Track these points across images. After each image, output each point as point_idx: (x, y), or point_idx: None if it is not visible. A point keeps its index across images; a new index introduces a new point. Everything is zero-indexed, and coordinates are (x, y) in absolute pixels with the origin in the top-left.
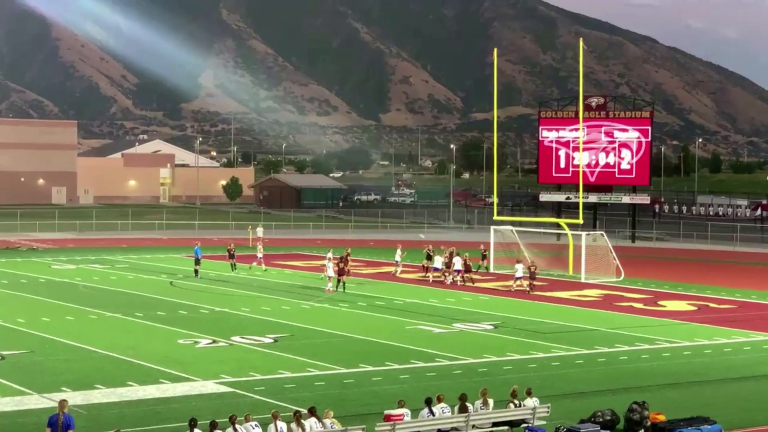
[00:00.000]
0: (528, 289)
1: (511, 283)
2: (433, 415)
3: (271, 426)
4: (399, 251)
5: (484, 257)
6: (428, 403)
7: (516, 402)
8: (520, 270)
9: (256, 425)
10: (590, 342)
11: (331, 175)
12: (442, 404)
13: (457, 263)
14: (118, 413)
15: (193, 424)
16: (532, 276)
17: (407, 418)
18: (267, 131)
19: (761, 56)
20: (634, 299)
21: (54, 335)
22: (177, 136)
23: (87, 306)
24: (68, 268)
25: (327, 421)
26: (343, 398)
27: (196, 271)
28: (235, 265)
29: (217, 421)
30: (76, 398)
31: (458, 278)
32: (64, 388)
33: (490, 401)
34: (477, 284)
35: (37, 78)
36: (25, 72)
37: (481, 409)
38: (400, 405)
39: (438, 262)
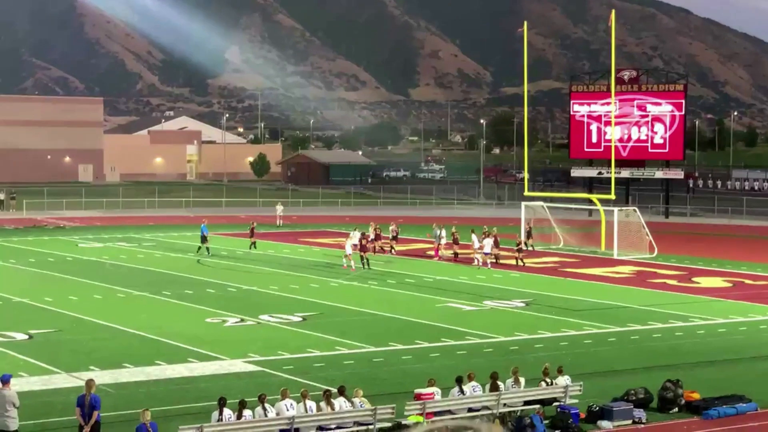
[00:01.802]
0: (521, 262)
1: (479, 256)
2: (464, 394)
3: (301, 405)
4: (437, 229)
5: (529, 235)
6: (459, 381)
7: (548, 380)
8: (487, 246)
9: (292, 404)
10: (623, 319)
11: (359, 151)
12: (473, 383)
13: (487, 245)
14: (146, 392)
15: (222, 403)
16: (519, 250)
17: (437, 397)
18: (294, 107)
19: None
20: (667, 276)
21: (81, 314)
22: (203, 113)
23: (114, 285)
24: (95, 247)
25: (356, 401)
26: (373, 377)
27: (204, 249)
28: (255, 243)
29: (246, 400)
30: (104, 377)
31: (489, 260)
32: (92, 367)
33: (522, 380)
34: (508, 261)
35: (62, 55)
36: (51, 49)
37: (512, 387)
38: (430, 384)
39: (476, 242)
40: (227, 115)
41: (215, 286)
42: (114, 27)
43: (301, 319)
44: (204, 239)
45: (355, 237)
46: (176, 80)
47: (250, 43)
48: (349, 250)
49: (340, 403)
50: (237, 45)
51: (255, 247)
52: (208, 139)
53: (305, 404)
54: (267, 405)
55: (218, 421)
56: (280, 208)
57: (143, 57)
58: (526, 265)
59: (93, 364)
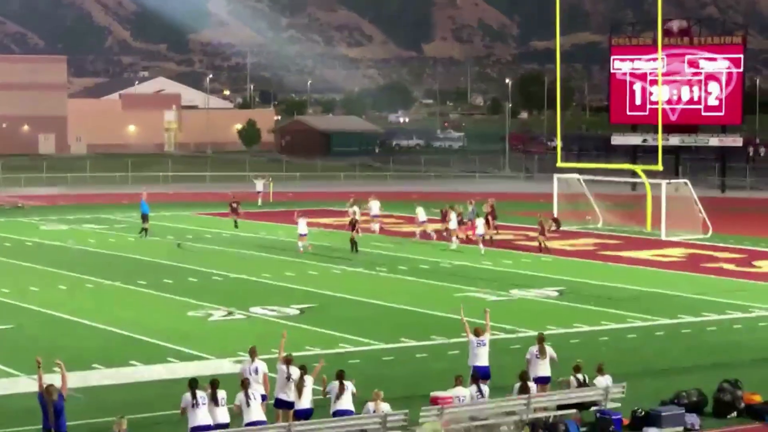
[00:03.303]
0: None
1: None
2: (483, 395)
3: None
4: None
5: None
6: (475, 380)
7: (580, 377)
8: (422, 214)
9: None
10: (672, 310)
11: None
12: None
13: (480, 227)
14: (120, 397)
15: (193, 385)
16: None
17: (466, 400)
18: (289, 66)
19: None
20: (724, 259)
21: (44, 307)
22: (183, 73)
23: (82, 273)
24: (59, 229)
25: (371, 405)
26: (383, 378)
27: (144, 230)
28: (237, 222)
29: (217, 379)
30: (71, 380)
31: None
32: (56, 369)
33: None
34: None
35: (19, 7)
36: (5, 0)
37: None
38: (458, 382)
39: (421, 215)
40: (211, 76)
41: (198, 274)
42: None
43: (298, 311)
44: (145, 218)
45: (357, 213)
46: (151, 35)
47: None
48: (304, 229)
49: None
50: None
51: (237, 226)
52: (189, 104)
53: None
54: (251, 392)
55: (192, 404)
56: (260, 183)
57: (113, 8)
58: (549, 248)
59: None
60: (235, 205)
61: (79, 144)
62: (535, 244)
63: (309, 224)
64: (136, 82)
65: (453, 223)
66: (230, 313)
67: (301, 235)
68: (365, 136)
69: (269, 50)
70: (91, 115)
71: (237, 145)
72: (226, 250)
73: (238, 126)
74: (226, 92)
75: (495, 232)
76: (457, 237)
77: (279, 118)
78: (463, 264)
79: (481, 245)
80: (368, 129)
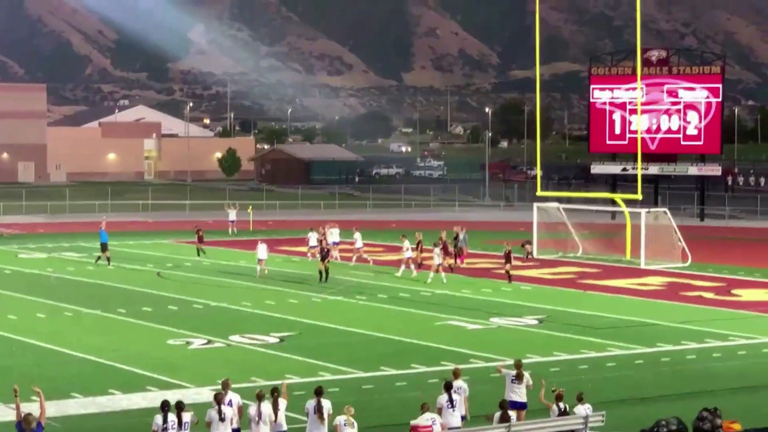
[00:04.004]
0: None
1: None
2: (452, 405)
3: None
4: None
5: (527, 243)
6: (447, 388)
7: (561, 405)
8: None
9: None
10: (652, 338)
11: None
12: (459, 381)
13: (436, 257)
14: (98, 426)
15: (165, 409)
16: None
17: (436, 428)
18: (269, 94)
19: None
20: (703, 288)
21: (22, 336)
22: (163, 102)
23: (61, 301)
24: (38, 257)
25: (341, 419)
26: (362, 407)
27: (99, 258)
28: (203, 249)
29: (182, 402)
30: (49, 409)
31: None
32: (34, 398)
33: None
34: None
35: None
36: None
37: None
38: (424, 409)
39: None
40: (191, 104)
41: (178, 302)
42: (58, 1)
43: (278, 340)
44: (104, 247)
45: (312, 239)
46: (131, 64)
47: (218, 21)
48: (263, 255)
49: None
50: (202, 23)
51: (204, 254)
52: (169, 132)
53: (259, 407)
54: (224, 407)
55: (163, 428)
56: (232, 212)
57: (93, 37)
58: (512, 277)
59: (36, 394)
60: (200, 233)
61: (58, 172)
62: (518, 272)
63: (283, 252)
64: (116, 111)
65: (408, 252)
66: (210, 342)
67: (259, 260)
68: (345, 164)
69: (249, 79)
70: (70, 144)
71: (217, 174)
72: (206, 278)
73: (218, 154)
74: (207, 121)
75: (453, 261)
76: (411, 265)
77: (265, 147)
78: (443, 293)
79: (442, 273)
80: (348, 158)
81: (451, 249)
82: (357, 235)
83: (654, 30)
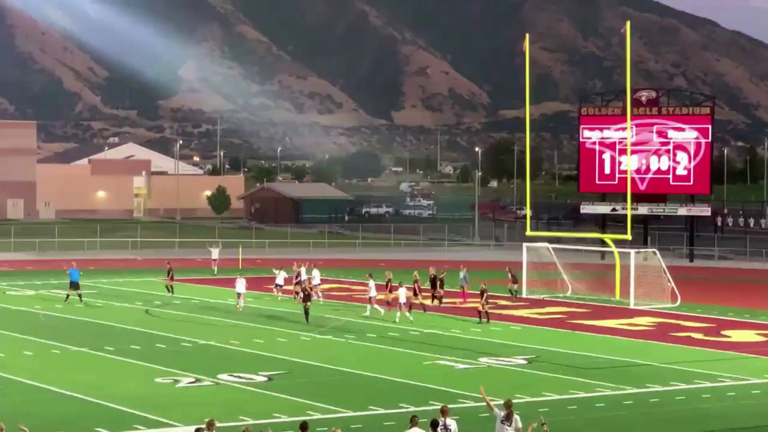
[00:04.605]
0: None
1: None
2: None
3: None
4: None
5: (515, 280)
6: (434, 426)
7: None
8: (280, 277)
9: None
10: (641, 379)
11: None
12: (448, 420)
13: (402, 296)
14: None
15: None
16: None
17: None
18: (259, 133)
19: None
20: (692, 328)
21: (9, 373)
22: (153, 139)
23: (48, 339)
24: (26, 295)
25: None
26: None
27: (76, 296)
28: (172, 287)
29: None
30: None
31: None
32: None
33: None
34: (508, 312)
35: None
36: None
37: None
38: (414, 423)
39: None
40: (181, 142)
41: (166, 340)
42: (49, 39)
43: (266, 378)
44: (75, 285)
45: (280, 277)
46: (122, 101)
47: (209, 58)
48: (241, 289)
49: None
50: (193, 60)
51: (172, 292)
52: (159, 170)
53: None
54: None
55: None
56: (215, 250)
57: (83, 74)
58: (489, 314)
59: None
60: (171, 271)
61: (47, 209)
62: (507, 312)
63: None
64: (106, 148)
65: (372, 291)
66: (198, 380)
67: (238, 294)
68: (335, 203)
69: (240, 117)
70: (60, 181)
71: (206, 212)
72: (194, 316)
73: (208, 192)
74: (196, 158)
75: (418, 301)
76: (376, 305)
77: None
78: (432, 332)
79: (407, 312)
80: (338, 196)
81: (425, 287)
82: (315, 272)
83: (644, 70)
